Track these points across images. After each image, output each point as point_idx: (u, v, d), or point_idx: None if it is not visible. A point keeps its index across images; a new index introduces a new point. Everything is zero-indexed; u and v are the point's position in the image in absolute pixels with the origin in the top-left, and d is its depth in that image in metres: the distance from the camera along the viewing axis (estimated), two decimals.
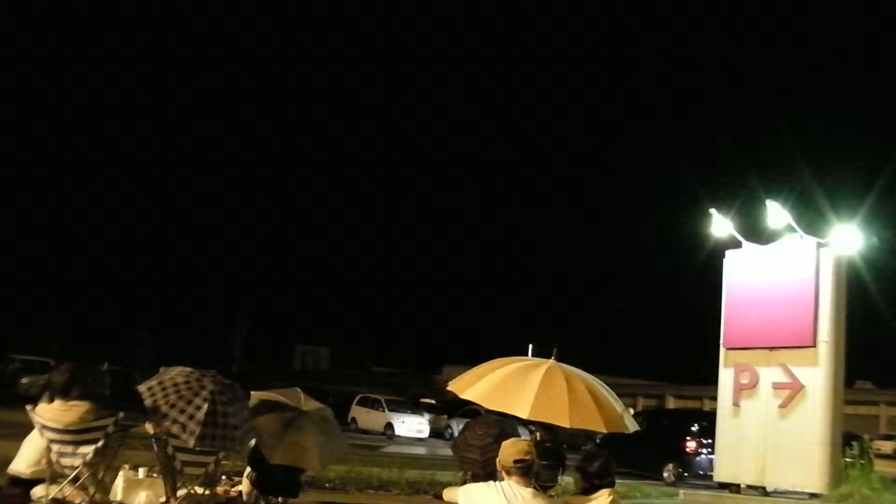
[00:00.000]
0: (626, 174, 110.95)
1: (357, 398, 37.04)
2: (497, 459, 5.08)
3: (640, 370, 64.56)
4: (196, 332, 69.43)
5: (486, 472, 6.56)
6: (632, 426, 6.22)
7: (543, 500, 5.04)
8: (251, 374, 46.69)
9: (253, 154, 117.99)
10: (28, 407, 7.04)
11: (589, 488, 5.50)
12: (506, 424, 7.35)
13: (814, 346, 15.17)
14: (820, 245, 15.59)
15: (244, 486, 8.32)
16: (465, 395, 6.19)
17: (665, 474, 21.04)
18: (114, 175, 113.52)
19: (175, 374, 7.15)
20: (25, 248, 73.58)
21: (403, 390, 49.32)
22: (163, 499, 7.51)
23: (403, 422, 34.09)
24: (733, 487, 16.12)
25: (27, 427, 7.10)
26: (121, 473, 7.98)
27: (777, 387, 15.57)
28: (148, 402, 6.82)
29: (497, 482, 5.00)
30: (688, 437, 21.53)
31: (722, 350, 16.80)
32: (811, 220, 16.64)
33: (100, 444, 6.83)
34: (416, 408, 38.00)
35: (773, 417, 15.48)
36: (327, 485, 11.74)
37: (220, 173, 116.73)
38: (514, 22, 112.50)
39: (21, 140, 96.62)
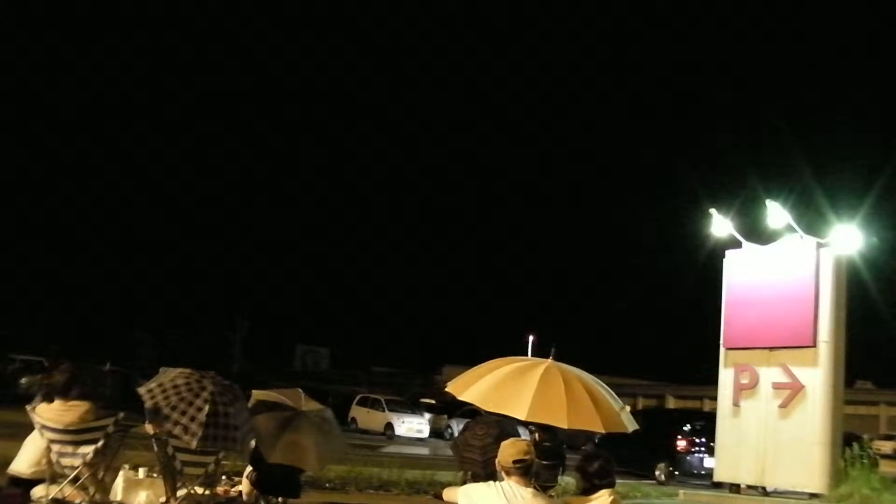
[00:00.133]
0: (626, 174, 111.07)
1: (357, 398, 37.05)
2: (496, 460, 5.08)
3: (640, 370, 64.62)
4: (196, 332, 69.48)
5: (487, 472, 6.56)
6: (630, 425, 6.20)
7: (543, 500, 5.04)
8: (251, 374, 46.70)
9: (253, 154, 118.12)
10: (28, 407, 7.05)
11: (589, 488, 5.49)
12: (506, 424, 7.35)
13: (814, 346, 15.18)
14: (820, 245, 15.59)
15: (244, 486, 8.32)
16: (463, 397, 6.18)
17: (657, 473, 21.23)
18: (114, 175, 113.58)
19: (175, 375, 7.16)
20: (25, 248, 73.56)
21: (403, 390, 49.36)
22: (163, 499, 7.52)
23: (403, 422, 34.08)
24: (732, 487, 16.12)
25: (27, 427, 7.11)
26: (121, 473, 7.99)
27: (777, 387, 15.57)
28: (149, 404, 6.83)
29: (497, 482, 5.00)
30: (678, 437, 21.66)
31: (722, 350, 16.80)
32: (811, 220, 16.67)
33: (100, 444, 6.84)
34: (416, 408, 38.00)
35: (773, 417, 15.48)
36: (327, 485, 11.74)
37: (220, 173, 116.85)
38: (514, 22, 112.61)
39: (21, 140, 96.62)
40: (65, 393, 6.95)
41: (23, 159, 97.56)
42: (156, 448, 7.28)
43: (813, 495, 14.90)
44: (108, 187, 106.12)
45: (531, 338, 50.41)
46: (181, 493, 7.30)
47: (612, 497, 5.43)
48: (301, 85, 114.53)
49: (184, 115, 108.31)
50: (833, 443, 14.92)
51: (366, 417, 35.35)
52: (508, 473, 4.95)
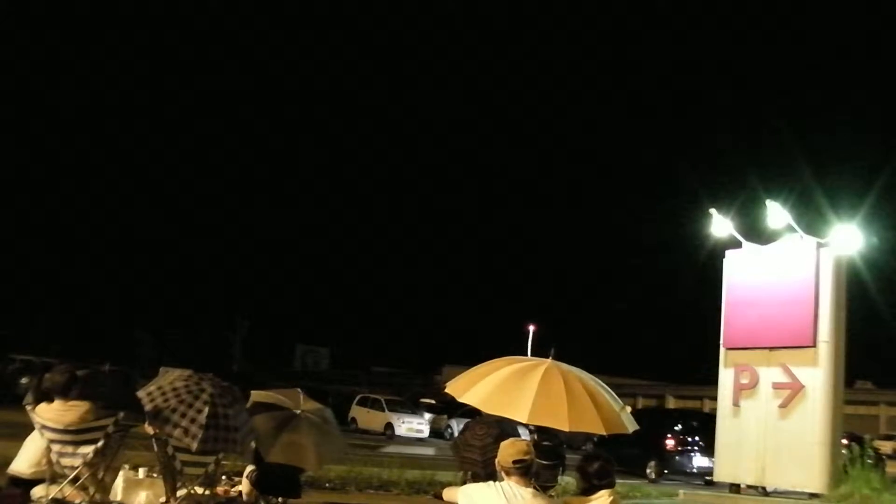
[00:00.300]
0: (626, 174, 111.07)
1: (357, 398, 37.04)
2: (496, 460, 5.08)
3: (640, 370, 64.65)
4: (196, 332, 69.49)
5: (486, 472, 6.56)
6: (631, 426, 6.18)
7: (543, 500, 5.04)
8: (251, 375, 46.70)
9: (253, 154, 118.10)
10: (28, 407, 7.05)
11: (589, 489, 5.49)
12: (506, 424, 7.34)
13: (814, 346, 15.18)
14: (820, 245, 15.59)
15: (244, 486, 8.32)
16: (463, 399, 6.16)
17: (648, 471, 21.50)
18: (114, 175, 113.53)
19: (174, 378, 7.17)
20: (25, 248, 73.55)
21: (403, 390, 49.37)
22: (163, 499, 7.52)
23: (403, 422, 34.09)
24: (732, 487, 16.12)
25: (27, 427, 7.11)
26: (121, 473, 7.99)
27: (777, 387, 15.57)
28: (148, 407, 6.82)
29: (497, 482, 5.00)
30: (668, 436, 21.81)
31: (722, 350, 16.80)
32: (811, 220, 16.68)
33: (100, 444, 6.84)
34: (416, 408, 38.01)
35: (773, 417, 15.48)
36: (327, 485, 11.75)
37: (220, 173, 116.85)
38: (514, 22, 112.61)
39: (21, 140, 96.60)
40: (65, 393, 6.95)
41: (23, 159, 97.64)
42: (156, 448, 7.28)
43: (813, 495, 14.90)
44: (108, 187, 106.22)
45: (531, 328, 50.43)
46: (181, 493, 7.30)
47: (611, 497, 5.43)
48: (301, 85, 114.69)
49: (184, 115, 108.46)
50: (833, 443, 14.92)
51: (366, 417, 35.35)
52: (508, 473, 4.95)
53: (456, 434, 23.10)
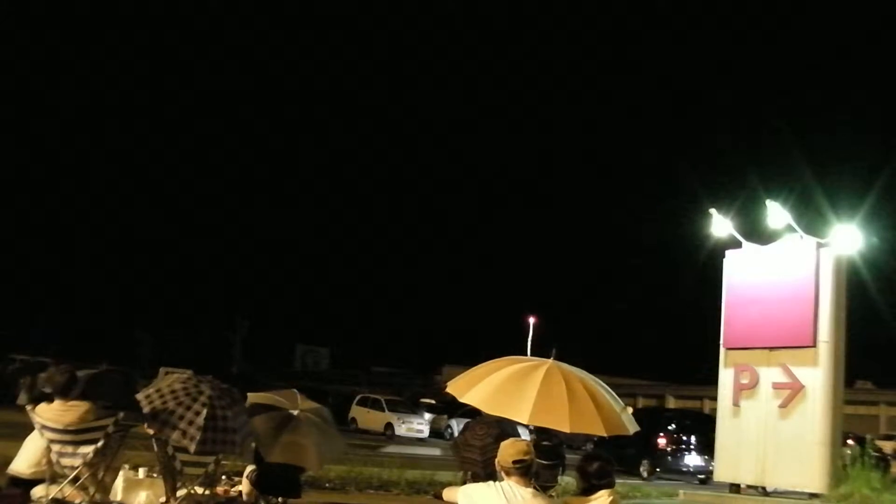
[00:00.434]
0: (626, 174, 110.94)
1: (357, 398, 37.05)
2: (496, 460, 5.08)
3: (640, 370, 64.56)
4: (196, 332, 69.48)
5: (486, 472, 6.56)
6: (632, 427, 6.17)
7: (543, 500, 5.04)
8: (251, 375, 46.74)
9: (253, 154, 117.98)
10: (28, 407, 7.05)
11: (588, 488, 5.48)
12: (506, 424, 7.34)
13: (814, 346, 15.18)
14: (820, 245, 15.60)
15: (244, 486, 8.33)
16: (464, 399, 6.15)
17: (641, 469, 21.66)
18: (114, 175, 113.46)
19: (172, 380, 7.19)
20: (25, 248, 73.62)
21: (403, 390, 49.40)
22: (163, 499, 7.52)
23: (403, 422, 34.10)
24: (732, 487, 16.13)
25: (27, 427, 7.11)
26: (121, 473, 7.99)
27: (777, 387, 15.57)
28: (147, 409, 6.83)
29: (497, 482, 5.00)
30: (660, 435, 21.90)
31: (722, 350, 16.80)
32: (811, 220, 16.68)
33: (100, 444, 6.84)
34: (416, 408, 38.01)
35: (773, 417, 15.48)
36: (327, 485, 11.74)
37: (220, 173, 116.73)
38: (514, 22, 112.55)
39: (21, 140, 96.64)
40: (65, 393, 6.95)
41: (23, 159, 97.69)
42: (156, 448, 7.28)
43: (813, 495, 14.90)
44: (108, 187, 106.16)
45: (531, 319, 50.31)
46: (181, 493, 7.31)
47: (611, 497, 5.43)
48: (301, 85, 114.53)
49: (184, 115, 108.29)
50: (833, 443, 14.92)
51: (366, 417, 35.35)
52: (508, 473, 4.95)
53: (456, 434, 23.12)
